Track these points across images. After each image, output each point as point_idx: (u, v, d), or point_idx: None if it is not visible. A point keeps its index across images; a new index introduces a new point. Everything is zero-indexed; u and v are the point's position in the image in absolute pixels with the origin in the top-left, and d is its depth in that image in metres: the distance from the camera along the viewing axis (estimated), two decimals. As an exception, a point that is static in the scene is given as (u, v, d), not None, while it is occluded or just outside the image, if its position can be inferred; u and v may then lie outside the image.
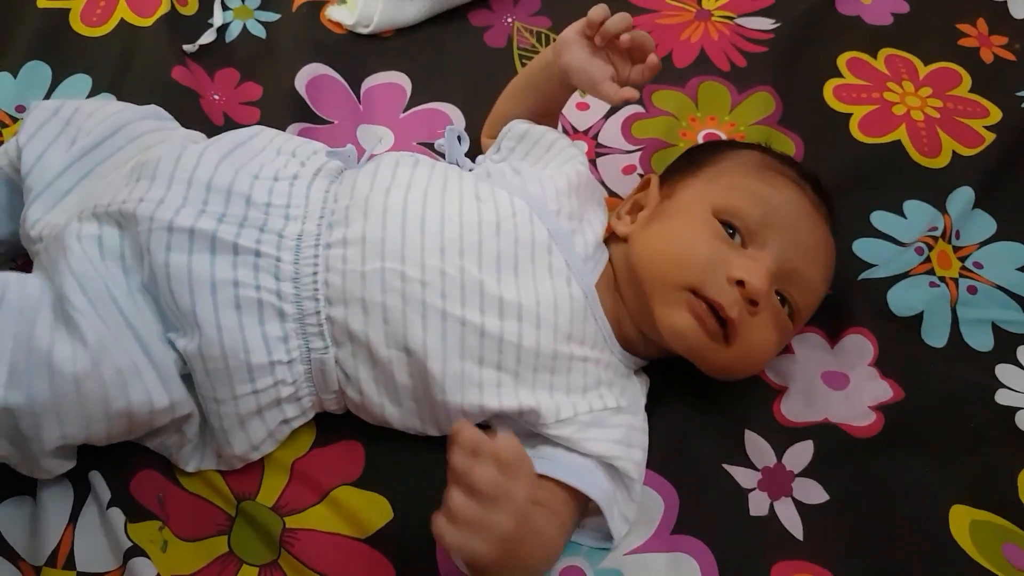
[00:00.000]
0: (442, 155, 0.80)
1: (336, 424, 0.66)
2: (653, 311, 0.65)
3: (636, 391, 0.69)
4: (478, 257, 0.63)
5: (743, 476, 0.67)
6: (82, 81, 0.89)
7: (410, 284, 0.61)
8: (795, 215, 0.68)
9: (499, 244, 0.64)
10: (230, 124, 0.88)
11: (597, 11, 0.70)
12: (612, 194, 0.86)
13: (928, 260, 0.79)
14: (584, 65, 0.72)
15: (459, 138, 0.73)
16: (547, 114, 0.79)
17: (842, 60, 0.98)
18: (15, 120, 0.85)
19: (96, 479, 0.62)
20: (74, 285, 0.58)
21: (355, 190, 0.65)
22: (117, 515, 0.61)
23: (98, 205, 0.62)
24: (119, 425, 0.59)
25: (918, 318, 0.76)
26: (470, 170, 0.74)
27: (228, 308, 0.60)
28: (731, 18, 1.03)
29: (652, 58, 0.70)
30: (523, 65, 0.97)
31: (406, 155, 0.71)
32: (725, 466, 0.67)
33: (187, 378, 0.61)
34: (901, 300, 0.77)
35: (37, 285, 0.60)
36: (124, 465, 0.63)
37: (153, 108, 0.74)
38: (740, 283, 0.63)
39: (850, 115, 0.92)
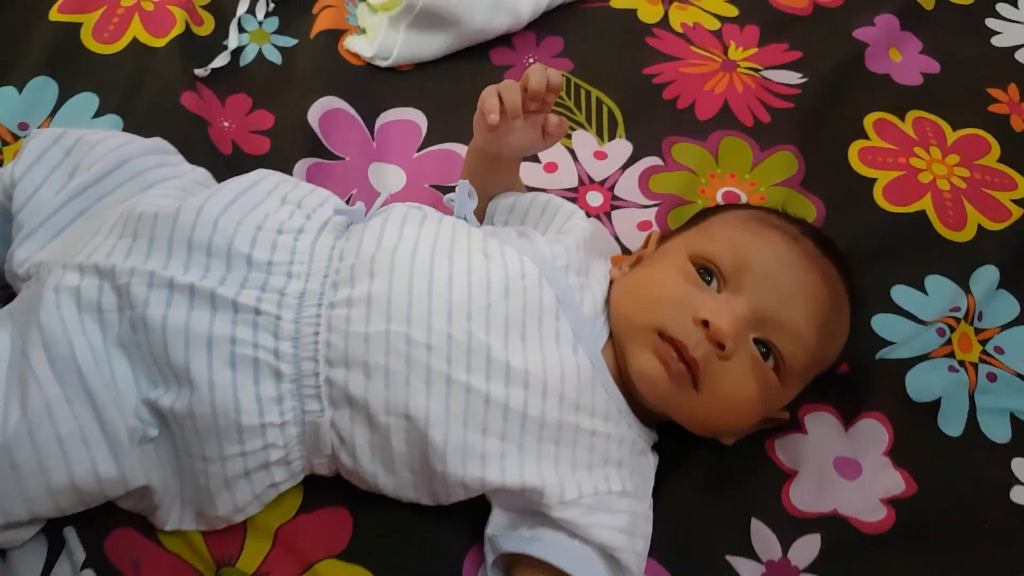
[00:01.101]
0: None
1: (324, 486, 0.64)
2: (624, 356, 0.64)
3: (645, 473, 0.66)
4: (486, 321, 0.60)
5: (747, 569, 0.64)
6: (89, 100, 0.86)
7: (415, 348, 0.59)
8: (775, 262, 0.65)
9: (507, 308, 0.61)
10: (238, 154, 0.85)
11: (492, 103, 0.67)
12: (625, 250, 0.84)
13: (949, 342, 0.77)
14: (521, 140, 0.71)
15: (469, 193, 0.71)
16: (512, 185, 0.79)
17: (869, 121, 0.96)
18: (16, 139, 0.83)
19: (70, 536, 0.60)
20: (37, 342, 0.56)
21: (361, 248, 0.63)
22: (90, 578, 0.58)
23: (86, 257, 0.60)
24: (67, 499, 0.57)
25: (935, 404, 0.73)
26: (477, 226, 0.72)
27: (223, 365, 0.57)
28: (757, 70, 1.01)
29: (554, 77, 0.68)
30: (542, 108, 0.94)
31: (414, 208, 0.69)
32: (728, 558, 0.64)
33: (159, 444, 0.59)
34: (919, 384, 0.74)
35: (5, 337, 0.58)
36: (100, 521, 0.60)
37: (158, 141, 0.72)
38: (706, 324, 0.61)
39: (875, 180, 0.90)
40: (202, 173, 0.72)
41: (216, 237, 0.60)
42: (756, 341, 0.63)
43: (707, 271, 0.65)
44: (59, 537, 0.60)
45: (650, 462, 0.67)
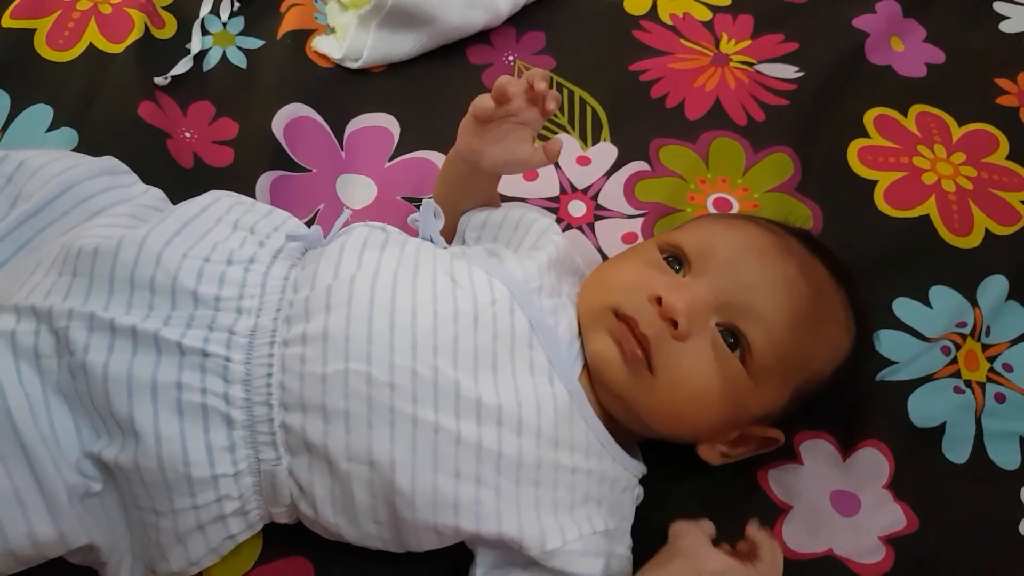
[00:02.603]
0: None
1: (284, 534, 0.60)
2: (584, 344, 0.61)
3: (624, 512, 0.62)
4: (453, 355, 0.56)
5: (736, 617, 0.60)
6: (42, 112, 0.82)
7: (377, 388, 0.54)
8: (743, 247, 0.62)
9: (476, 339, 0.57)
10: (200, 167, 0.81)
11: (482, 99, 0.65)
12: (610, 263, 0.79)
13: (955, 361, 0.72)
14: (506, 155, 0.68)
15: (435, 212, 0.66)
16: (488, 201, 0.75)
17: (869, 117, 0.90)
18: (-35, 157, 0.79)
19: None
20: None
21: (316, 278, 0.58)
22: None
23: (23, 298, 0.56)
24: (1, 563, 0.53)
25: (939, 430, 0.69)
26: (444, 247, 0.67)
27: (170, 414, 0.53)
28: (751, 64, 0.95)
29: (542, 86, 0.65)
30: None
31: (376, 229, 0.64)
32: (715, 605, 0.60)
33: (104, 497, 0.55)
34: (922, 409, 0.70)
35: None
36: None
37: (108, 162, 0.67)
38: (660, 302, 0.58)
39: (875, 183, 0.85)
40: (155, 195, 0.68)
41: (159, 273, 0.56)
42: (723, 330, 0.59)
43: (675, 259, 0.63)
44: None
45: (631, 500, 0.63)
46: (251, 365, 0.55)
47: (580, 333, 0.62)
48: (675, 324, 0.58)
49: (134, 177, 0.69)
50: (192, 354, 0.54)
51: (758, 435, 0.63)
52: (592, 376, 0.61)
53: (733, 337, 0.60)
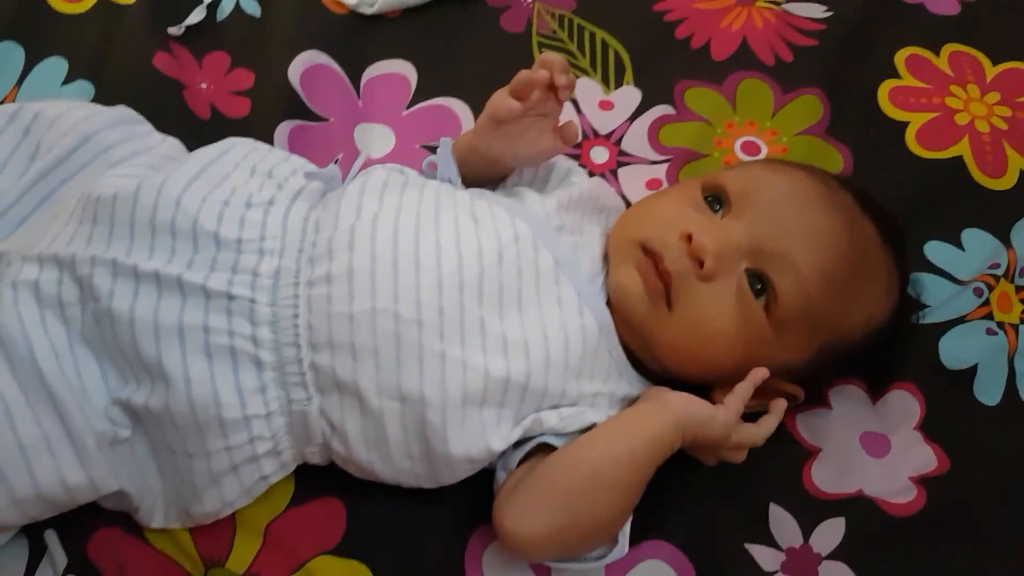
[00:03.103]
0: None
1: (316, 476, 0.60)
2: (609, 275, 0.61)
3: None
4: (479, 292, 0.56)
5: (765, 557, 0.60)
6: (57, 65, 0.81)
7: (404, 326, 0.54)
8: (788, 193, 0.61)
9: (502, 276, 0.57)
10: (217, 118, 0.80)
11: (504, 100, 0.63)
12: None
13: (987, 303, 0.71)
14: (528, 150, 0.66)
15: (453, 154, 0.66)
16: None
17: (900, 57, 0.87)
18: (-17, 111, 0.78)
19: (51, 540, 0.57)
20: None
21: (339, 218, 0.58)
22: (74, 585, 0.56)
23: (45, 247, 0.56)
24: (35, 508, 0.54)
25: (971, 372, 0.68)
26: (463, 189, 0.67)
27: (198, 357, 0.53)
28: (778, 3, 0.92)
29: (563, 81, 0.62)
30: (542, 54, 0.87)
31: (395, 172, 0.63)
32: (747, 546, 0.60)
33: (134, 443, 0.56)
34: (954, 350, 0.69)
35: None
36: (83, 521, 0.58)
37: (122, 111, 0.67)
38: (691, 240, 0.58)
39: (907, 124, 0.83)
40: (173, 144, 0.68)
41: (179, 217, 0.56)
42: (751, 275, 0.58)
43: (716, 199, 0.62)
44: (40, 540, 0.57)
45: None
46: (277, 306, 0.55)
47: (603, 268, 0.63)
48: (701, 264, 0.57)
49: (149, 126, 0.68)
50: (217, 297, 0.54)
51: (777, 388, 0.62)
52: (613, 308, 0.61)
53: (760, 283, 0.59)
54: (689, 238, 0.58)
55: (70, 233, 0.57)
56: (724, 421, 0.58)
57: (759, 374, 0.59)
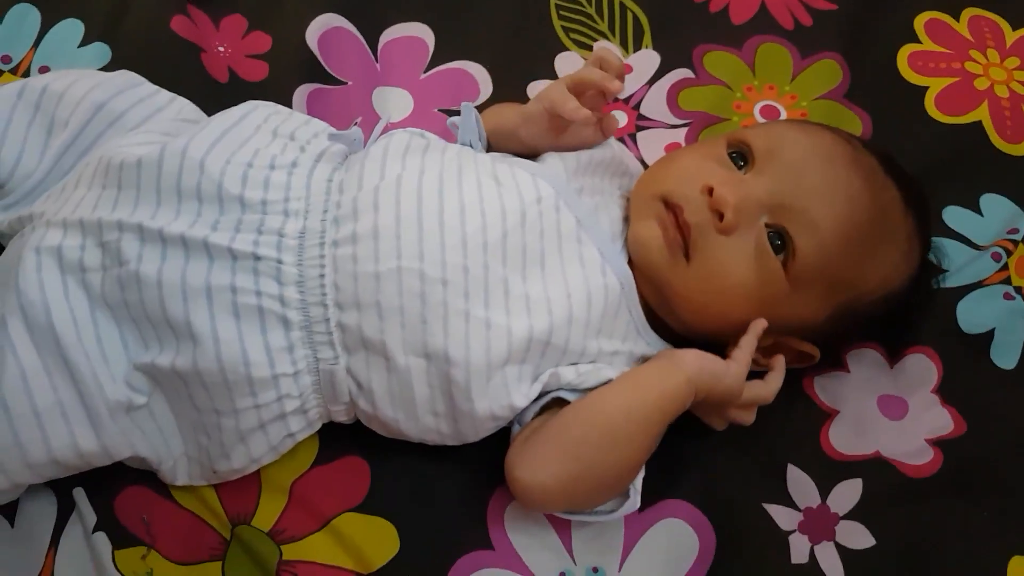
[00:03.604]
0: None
1: (340, 435, 0.61)
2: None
3: None
4: (502, 252, 0.57)
5: (784, 516, 0.61)
6: (74, 27, 0.80)
7: (429, 284, 0.55)
8: (812, 151, 0.61)
9: (524, 237, 0.58)
10: (235, 82, 0.80)
11: (568, 100, 0.63)
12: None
13: (1005, 267, 0.71)
14: (571, 140, 0.66)
15: (475, 118, 0.66)
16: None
17: (920, 21, 0.87)
18: (0, 73, 0.78)
19: (80, 497, 0.58)
20: (15, 308, 0.53)
21: (363, 179, 0.58)
22: (103, 542, 0.56)
23: (70, 211, 0.56)
24: (49, 471, 0.55)
25: (988, 336, 0.68)
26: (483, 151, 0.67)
27: (226, 316, 0.54)
28: (797, -34, 0.91)
29: (615, 84, 0.63)
30: (560, 18, 0.87)
31: (416, 135, 0.64)
32: (765, 505, 0.61)
33: (153, 407, 0.56)
34: (971, 315, 0.69)
35: None
36: (110, 478, 0.58)
37: (125, 76, 0.67)
38: (712, 194, 0.58)
39: (926, 89, 0.82)
40: (184, 105, 0.67)
41: (204, 180, 0.56)
42: (771, 232, 0.59)
43: (741, 156, 0.62)
44: (68, 497, 0.58)
45: None
46: (303, 267, 0.56)
47: (623, 229, 0.63)
48: (721, 217, 0.58)
49: (153, 87, 0.68)
50: (244, 258, 0.54)
51: (793, 347, 0.63)
52: (633, 266, 0.61)
53: (780, 239, 0.59)
54: (710, 191, 0.58)
55: (94, 198, 0.57)
56: (736, 374, 0.59)
57: (760, 325, 0.60)
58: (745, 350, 0.59)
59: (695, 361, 0.59)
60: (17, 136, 0.62)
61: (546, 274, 0.57)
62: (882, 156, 0.64)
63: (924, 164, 0.77)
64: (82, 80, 0.65)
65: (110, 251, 0.55)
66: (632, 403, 0.57)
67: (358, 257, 0.55)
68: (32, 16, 0.81)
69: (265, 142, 0.60)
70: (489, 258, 0.56)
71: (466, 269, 0.55)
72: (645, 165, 0.77)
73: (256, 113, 0.62)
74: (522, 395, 0.57)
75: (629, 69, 0.64)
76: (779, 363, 0.62)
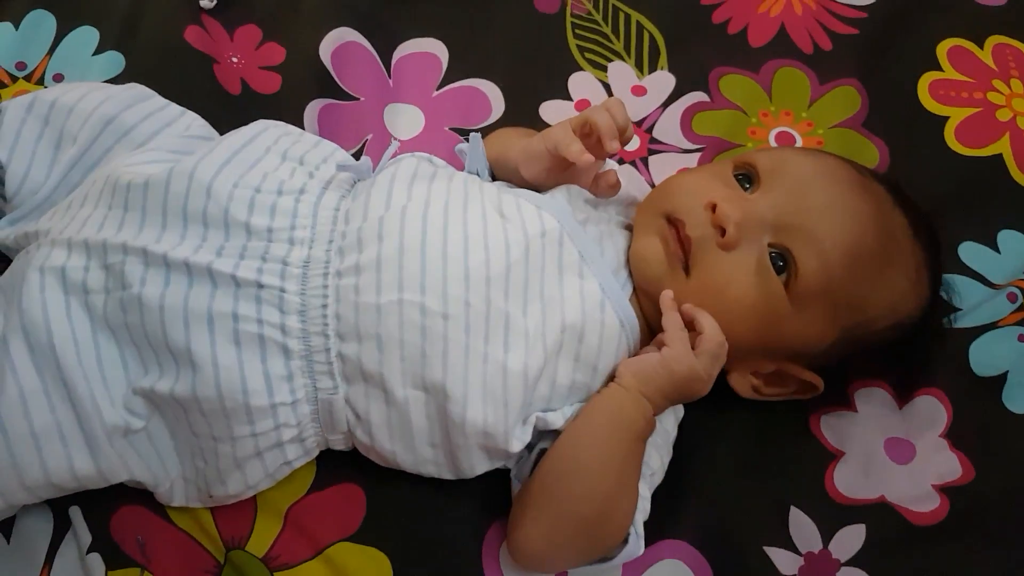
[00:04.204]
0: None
1: (338, 462, 0.61)
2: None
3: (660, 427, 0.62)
4: (505, 286, 0.56)
5: (785, 561, 0.60)
6: (88, 35, 0.81)
7: (430, 318, 0.54)
8: (819, 173, 0.61)
9: (527, 271, 0.57)
10: (248, 94, 0.79)
11: (575, 144, 0.61)
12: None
13: (1021, 309, 0.70)
14: (567, 181, 0.64)
15: (482, 147, 0.65)
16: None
17: (943, 49, 0.85)
18: (14, 79, 0.78)
19: (76, 516, 0.58)
20: (17, 327, 0.53)
21: (368, 209, 0.58)
22: (97, 563, 0.57)
23: (75, 231, 0.56)
24: (45, 492, 0.55)
25: (1001, 379, 0.67)
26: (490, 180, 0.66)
27: (227, 343, 0.54)
28: (819, -12, 0.90)
29: (613, 145, 0.61)
30: (575, 36, 0.86)
31: (424, 161, 0.63)
32: (766, 548, 0.60)
33: (152, 431, 0.56)
34: (984, 356, 0.67)
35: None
36: (107, 498, 0.58)
37: (135, 90, 0.66)
38: (715, 210, 0.58)
39: (946, 119, 0.81)
40: (193, 120, 0.67)
41: (210, 205, 0.56)
42: (774, 252, 0.58)
43: (746, 177, 0.62)
44: (65, 515, 0.58)
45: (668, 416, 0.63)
46: (306, 296, 0.55)
47: (627, 261, 0.62)
48: (723, 232, 0.57)
49: (163, 100, 0.68)
50: (247, 285, 0.54)
51: (796, 376, 0.62)
52: (633, 280, 0.61)
53: (783, 260, 0.58)
54: (713, 207, 0.58)
55: (100, 218, 0.57)
56: (676, 355, 0.57)
57: (667, 295, 0.58)
58: (670, 328, 0.58)
59: (625, 369, 0.58)
60: (26, 151, 0.62)
61: (545, 307, 0.57)
62: (891, 186, 0.64)
63: (941, 197, 0.75)
64: (92, 93, 0.65)
65: (114, 273, 0.54)
66: (581, 431, 0.57)
67: (360, 288, 0.55)
68: (48, 22, 0.81)
69: (274, 165, 0.59)
70: (492, 292, 0.55)
71: (468, 303, 0.55)
72: (656, 190, 0.77)
73: (267, 134, 0.62)
74: (516, 439, 0.56)
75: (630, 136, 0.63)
76: (691, 308, 0.58)
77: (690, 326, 0.58)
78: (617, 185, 0.64)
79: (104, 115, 0.63)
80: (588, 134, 0.62)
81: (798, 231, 0.58)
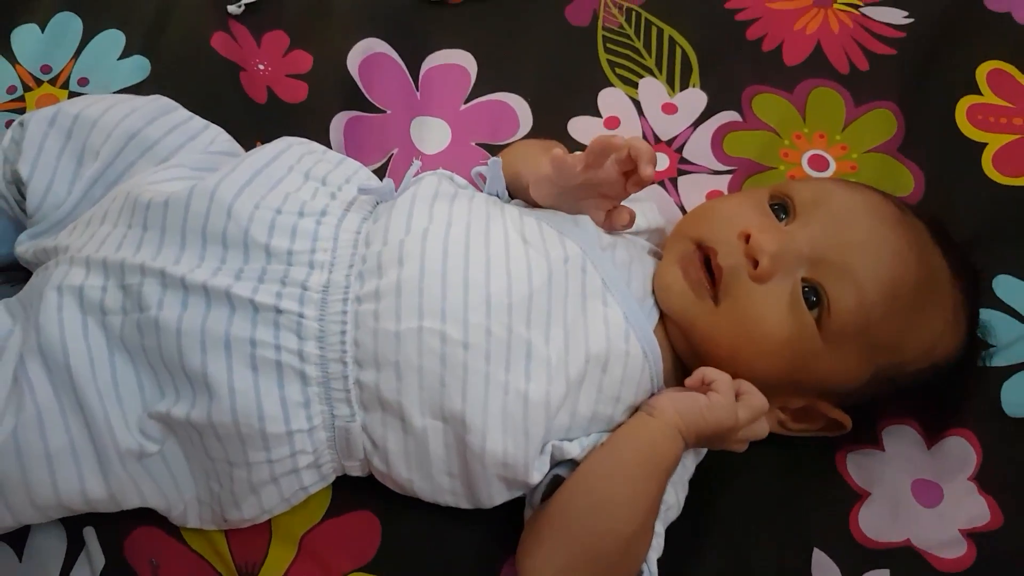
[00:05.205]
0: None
1: (354, 487, 0.60)
2: None
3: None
4: (527, 314, 0.55)
5: (805, 605, 0.59)
6: (115, 38, 0.80)
7: (451, 346, 0.53)
8: (858, 207, 0.59)
9: (550, 297, 0.56)
10: (274, 102, 0.79)
11: (565, 158, 0.57)
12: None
13: (1057, 348, 0.68)
14: (577, 211, 0.61)
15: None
16: None
17: (982, 72, 0.83)
18: (39, 83, 0.78)
19: (90, 538, 0.58)
20: (34, 346, 0.53)
21: (388, 232, 0.57)
22: (110, 586, 0.56)
23: (93, 250, 0.56)
24: (55, 512, 0.55)
25: (1033, 420, 0.65)
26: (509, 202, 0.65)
27: (244, 369, 0.53)
28: (856, 6, 0.88)
29: (647, 172, 0.56)
30: (606, 51, 0.84)
31: (445, 180, 0.63)
32: (786, 593, 0.59)
33: (166, 453, 0.56)
34: (1017, 396, 0.66)
35: (18, 331, 0.55)
36: (122, 518, 0.58)
37: (160, 103, 0.65)
38: (748, 240, 0.57)
39: (984, 145, 0.79)
40: (217, 134, 0.66)
41: (231, 226, 0.55)
42: (807, 287, 0.57)
43: (783, 208, 0.60)
44: (78, 535, 0.58)
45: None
46: (325, 321, 0.54)
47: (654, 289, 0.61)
48: (756, 264, 0.56)
49: (187, 112, 0.66)
50: (266, 310, 0.54)
51: (824, 414, 0.60)
52: (663, 318, 0.60)
53: (816, 295, 0.57)
54: (747, 238, 0.57)
55: (119, 237, 0.56)
56: (720, 404, 0.55)
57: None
58: (720, 376, 0.56)
59: (668, 404, 0.56)
60: (48, 166, 0.62)
61: (568, 335, 0.56)
62: (931, 222, 0.62)
63: (976, 227, 0.73)
64: (116, 107, 0.64)
65: (131, 295, 0.54)
66: (610, 464, 0.55)
67: (380, 314, 0.54)
68: (74, 25, 0.81)
69: (296, 185, 0.58)
70: (513, 320, 0.54)
71: (489, 331, 0.54)
72: (684, 212, 0.75)
73: (290, 152, 0.61)
74: (536, 470, 0.55)
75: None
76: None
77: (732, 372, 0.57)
78: (630, 223, 0.61)
79: (127, 129, 0.62)
80: (599, 165, 0.57)
81: (834, 267, 0.57)
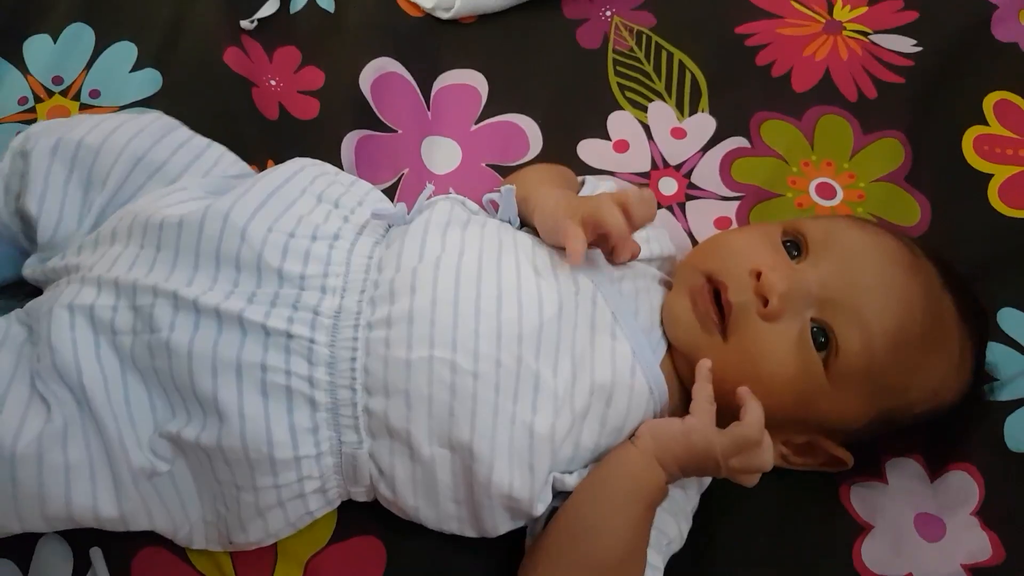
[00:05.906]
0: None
1: (360, 512, 0.60)
2: None
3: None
4: (536, 345, 0.55)
5: (805, 638, 0.59)
6: (127, 50, 0.80)
7: (460, 376, 0.54)
8: (870, 249, 0.59)
9: (560, 330, 0.56)
10: (285, 119, 0.79)
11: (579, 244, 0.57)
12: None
13: (1060, 382, 0.68)
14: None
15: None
16: None
17: (989, 102, 0.83)
18: (51, 94, 0.78)
19: (96, 558, 0.58)
20: (49, 365, 0.53)
21: (402, 259, 0.57)
22: (115, 607, 0.56)
23: (105, 269, 0.56)
24: (62, 524, 0.55)
25: (1036, 456, 0.66)
26: (521, 227, 0.65)
27: (254, 394, 0.53)
28: (866, 34, 0.88)
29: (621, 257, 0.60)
30: (616, 74, 0.85)
31: (458, 205, 0.63)
32: (787, 626, 0.60)
33: (175, 473, 0.56)
34: (1020, 431, 0.66)
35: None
36: (129, 538, 0.58)
37: (162, 122, 0.64)
38: (759, 277, 0.57)
39: (990, 177, 0.79)
40: (221, 153, 0.66)
41: (244, 248, 0.55)
42: (816, 327, 0.57)
43: (795, 245, 0.60)
44: (85, 554, 0.58)
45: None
46: (335, 348, 0.55)
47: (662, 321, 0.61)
48: (766, 303, 0.56)
49: (188, 130, 0.66)
50: (277, 335, 0.54)
51: (826, 450, 0.60)
52: (671, 351, 0.60)
53: (824, 336, 0.57)
54: (758, 275, 0.57)
55: (131, 256, 0.56)
56: (698, 426, 0.55)
57: (704, 365, 0.57)
58: (699, 398, 0.56)
59: (647, 431, 0.57)
60: (55, 200, 0.61)
61: (575, 366, 0.56)
62: (942, 264, 0.62)
63: (981, 259, 0.74)
64: (119, 131, 0.63)
65: (142, 316, 0.54)
66: (592, 491, 0.56)
67: (391, 342, 0.54)
68: (87, 37, 0.81)
69: (309, 207, 0.59)
70: (523, 350, 0.55)
71: (499, 362, 0.54)
72: (693, 238, 0.76)
73: (303, 174, 0.61)
74: (541, 502, 0.56)
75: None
76: (746, 393, 0.56)
77: (736, 406, 0.56)
78: (635, 255, 0.61)
79: (134, 152, 0.62)
80: (606, 236, 0.58)
81: (843, 309, 0.57)
